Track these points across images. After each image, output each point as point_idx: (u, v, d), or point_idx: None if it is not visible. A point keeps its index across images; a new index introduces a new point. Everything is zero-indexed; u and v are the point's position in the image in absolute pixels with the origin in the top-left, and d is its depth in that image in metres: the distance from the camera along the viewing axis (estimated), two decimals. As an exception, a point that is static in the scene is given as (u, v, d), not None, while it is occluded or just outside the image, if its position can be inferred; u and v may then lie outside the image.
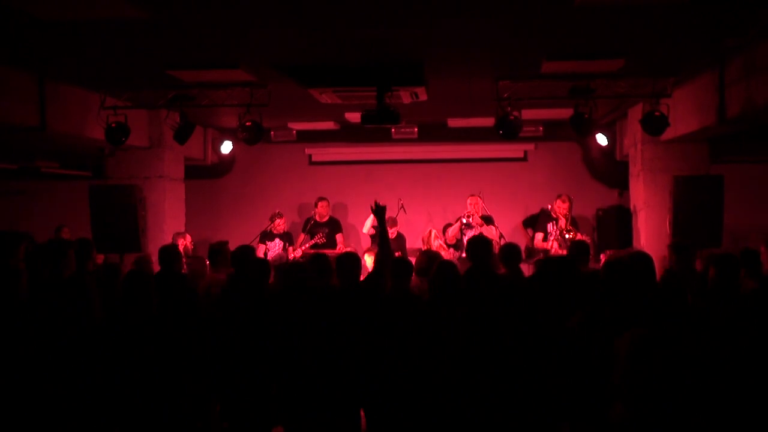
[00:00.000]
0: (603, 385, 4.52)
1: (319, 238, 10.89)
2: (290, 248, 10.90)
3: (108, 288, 6.04)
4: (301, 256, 10.32)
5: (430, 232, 10.22)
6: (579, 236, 9.88)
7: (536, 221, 10.71)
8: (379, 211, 6.17)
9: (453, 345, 5.13)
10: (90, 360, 4.95)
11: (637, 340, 3.32)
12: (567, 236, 9.90)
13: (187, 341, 5.19)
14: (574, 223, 10.32)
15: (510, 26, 6.32)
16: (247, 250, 6.43)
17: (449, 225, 10.84)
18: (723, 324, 4.68)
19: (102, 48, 6.96)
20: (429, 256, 6.50)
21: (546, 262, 5.98)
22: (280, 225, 11.02)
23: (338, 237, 11.30)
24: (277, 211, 11.18)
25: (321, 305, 5.47)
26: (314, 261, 5.80)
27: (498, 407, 5.16)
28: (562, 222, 10.09)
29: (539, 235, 10.32)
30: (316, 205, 11.41)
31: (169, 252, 7.14)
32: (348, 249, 10.26)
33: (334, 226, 11.36)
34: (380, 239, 5.96)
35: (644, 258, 5.51)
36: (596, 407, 4.77)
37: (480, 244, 6.16)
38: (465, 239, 10.32)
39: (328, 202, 11.50)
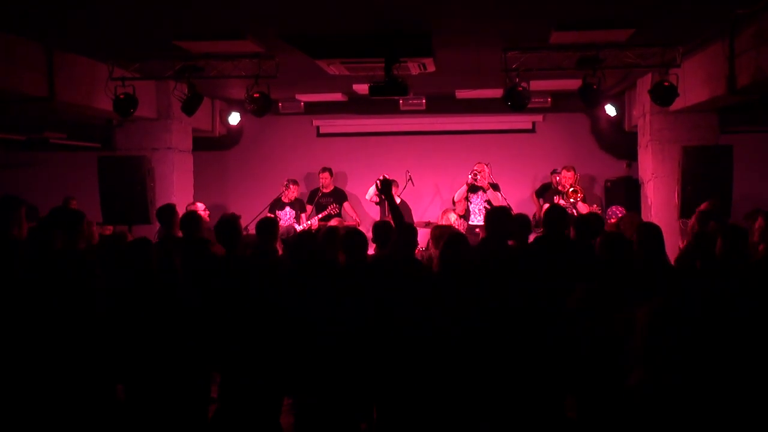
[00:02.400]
0: (612, 356, 4.54)
1: (332, 209, 10.96)
2: (302, 215, 10.96)
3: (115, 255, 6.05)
4: (316, 229, 10.35)
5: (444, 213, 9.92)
6: (590, 207, 9.87)
7: (546, 193, 10.69)
8: (385, 186, 6.20)
9: (460, 319, 5.15)
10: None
11: (657, 309, 3.35)
12: (571, 200, 9.86)
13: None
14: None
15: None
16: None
17: (457, 197, 10.84)
18: (733, 294, 4.69)
19: (110, 18, 6.94)
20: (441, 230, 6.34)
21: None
22: (292, 192, 11.05)
23: (346, 206, 11.46)
24: (292, 178, 11.27)
25: (339, 280, 5.40)
26: (349, 237, 5.62)
27: (505, 380, 5.19)
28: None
29: (547, 207, 10.28)
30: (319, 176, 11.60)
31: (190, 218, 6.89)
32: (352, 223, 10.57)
33: (339, 196, 11.54)
34: (391, 212, 6.00)
35: (654, 230, 5.53)
36: (605, 379, 4.80)
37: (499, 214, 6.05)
38: (471, 206, 10.37)
39: (330, 173, 11.62)
